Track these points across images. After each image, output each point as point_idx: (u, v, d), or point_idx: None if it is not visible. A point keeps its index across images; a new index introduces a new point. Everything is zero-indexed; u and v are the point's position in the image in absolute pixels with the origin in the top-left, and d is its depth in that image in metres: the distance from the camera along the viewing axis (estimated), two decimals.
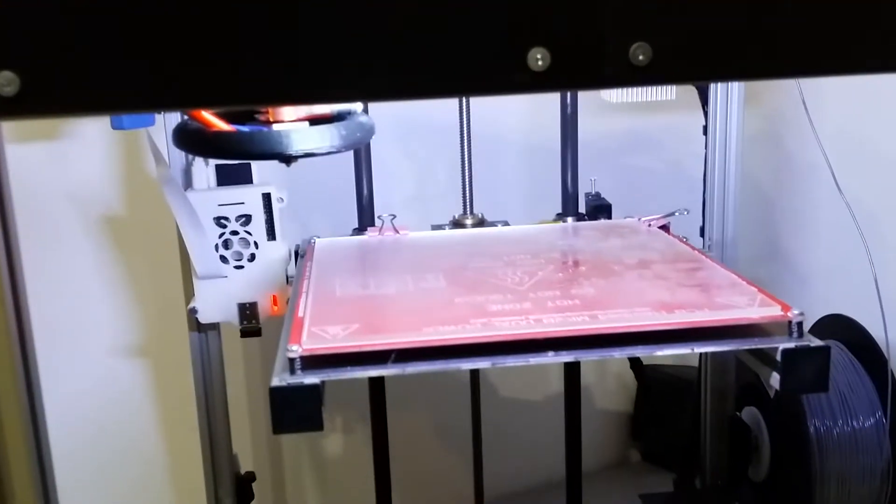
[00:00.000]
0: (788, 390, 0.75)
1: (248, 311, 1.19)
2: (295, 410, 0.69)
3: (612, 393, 1.94)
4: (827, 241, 1.64)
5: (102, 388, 1.58)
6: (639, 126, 1.72)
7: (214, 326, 1.25)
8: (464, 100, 1.19)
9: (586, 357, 0.76)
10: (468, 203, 1.24)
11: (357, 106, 0.67)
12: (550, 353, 0.75)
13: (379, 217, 1.20)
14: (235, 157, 0.76)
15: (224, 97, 0.52)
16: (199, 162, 1.19)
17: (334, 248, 1.14)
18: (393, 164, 1.61)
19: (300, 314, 0.83)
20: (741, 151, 1.28)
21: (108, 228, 1.52)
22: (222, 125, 0.63)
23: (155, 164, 1.11)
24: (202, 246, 1.15)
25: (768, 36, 0.51)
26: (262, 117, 0.66)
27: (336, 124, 0.64)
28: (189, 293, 1.22)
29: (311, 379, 0.70)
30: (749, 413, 1.40)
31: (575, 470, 1.35)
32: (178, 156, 1.20)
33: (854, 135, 1.54)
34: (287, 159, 0.64)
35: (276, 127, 0.62)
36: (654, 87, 1.21)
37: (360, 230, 1.24)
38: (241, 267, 1.18)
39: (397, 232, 1.17)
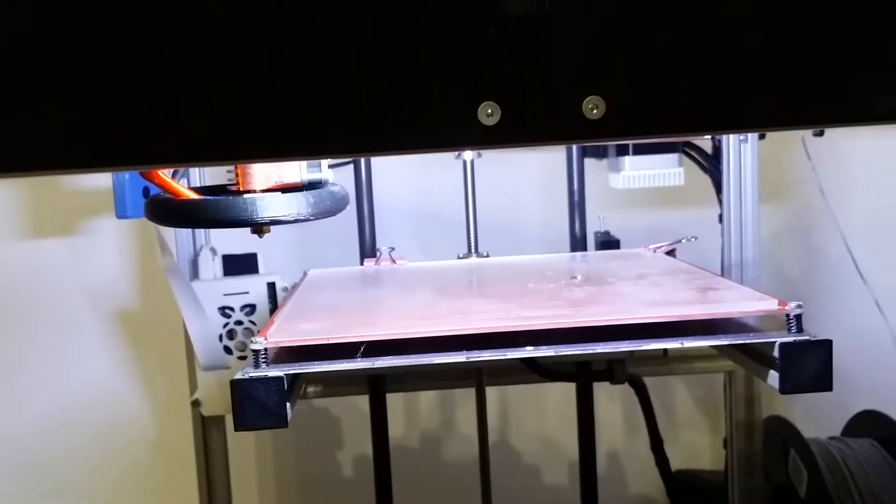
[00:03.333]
0: (789, 390, 0.68)
1: None
2: (257, 404, 0.64)
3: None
4: (858, 335, 1.58)
5: (104, 481, 1.57)
6: (657, 220, 1.70)
7: (219, 420, 1.22)
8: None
9: (566, 350, 0.71)
10: (472, 241, 1.21)
11: (328, 175, 0.67)
12: (529, 347, 0.70)
13: (378, 249, 1.17)
14: (202, 225, 0.75)
15: (176, 156, 0.52)
16: (205, 252, 1.19)
17: (327, 275, 1.12)
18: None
19: (275, 319, 0.79)
20: (758, 238, 1.25)
21: (120, 322, 1.53)
22: (191, 195, 0.63)
23: (161, 254, 1.12)
24: (206, 336, 1.14)
25: (725, 89, 0.50)
26: (233, 188, 0.65)
27: (304, 193, 0.63)
28: (194, 386, 1.20)
29: (275, 372, 0.66)
30: None
31: None
32: (186, 246, 1.21)
33: (882, 226, 1.51)
34: (255, 227, 0.63)
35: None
36: (665, 173, 1.19)
37: None
38: (245, 357, 1.16)
39: (394, 262, 1.15)
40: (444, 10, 0.49)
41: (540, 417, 1.68)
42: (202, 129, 0.50)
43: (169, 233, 1.15)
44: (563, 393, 1.26)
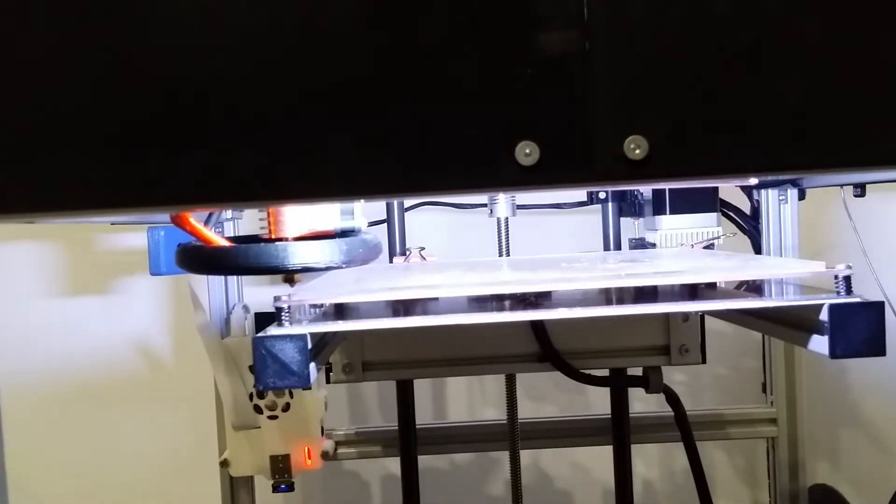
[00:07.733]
0: (839, 354, 0.62)
1: (280, 465, 1.14)
2: (279, 363, 0.62)
3: None
4: None
5: None
6: None
7: (247, 480, 1.20)
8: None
9: (600, 312, 0.68)
10: (504, 251, 1.18)
11: (361, 223, 0.66)
12: (562, 309, 0.67)
13: (407, 248, 1.14)
14: (233, 272, 0.74)
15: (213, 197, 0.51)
16: (238, 310, 1.18)
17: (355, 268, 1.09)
18: None
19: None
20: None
21: (152, 378, 1.54)
22: (223, 242, 0.62)
23: (193, 311, 1.11)
24: (236, 394, 1.12)
25: (771, 129, 0.48)
26: (265, 235, 0.65)
27: (337, 240, 0.62)
28: (223, 446, 1.18)
29: (297, 329, 0.64)
30: None
31: None
32: (219, 304, 1.20)
33: None
34: (286, 274, 0.62)
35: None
36: (703, 231, 1.16)
37: None
38: (275, 417, 1.14)
39: (424, 259, 1.12)
40: (482, 48, 0.48)
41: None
42: (233, 171, 0.50)
43: (202, 290, 1.15)
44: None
